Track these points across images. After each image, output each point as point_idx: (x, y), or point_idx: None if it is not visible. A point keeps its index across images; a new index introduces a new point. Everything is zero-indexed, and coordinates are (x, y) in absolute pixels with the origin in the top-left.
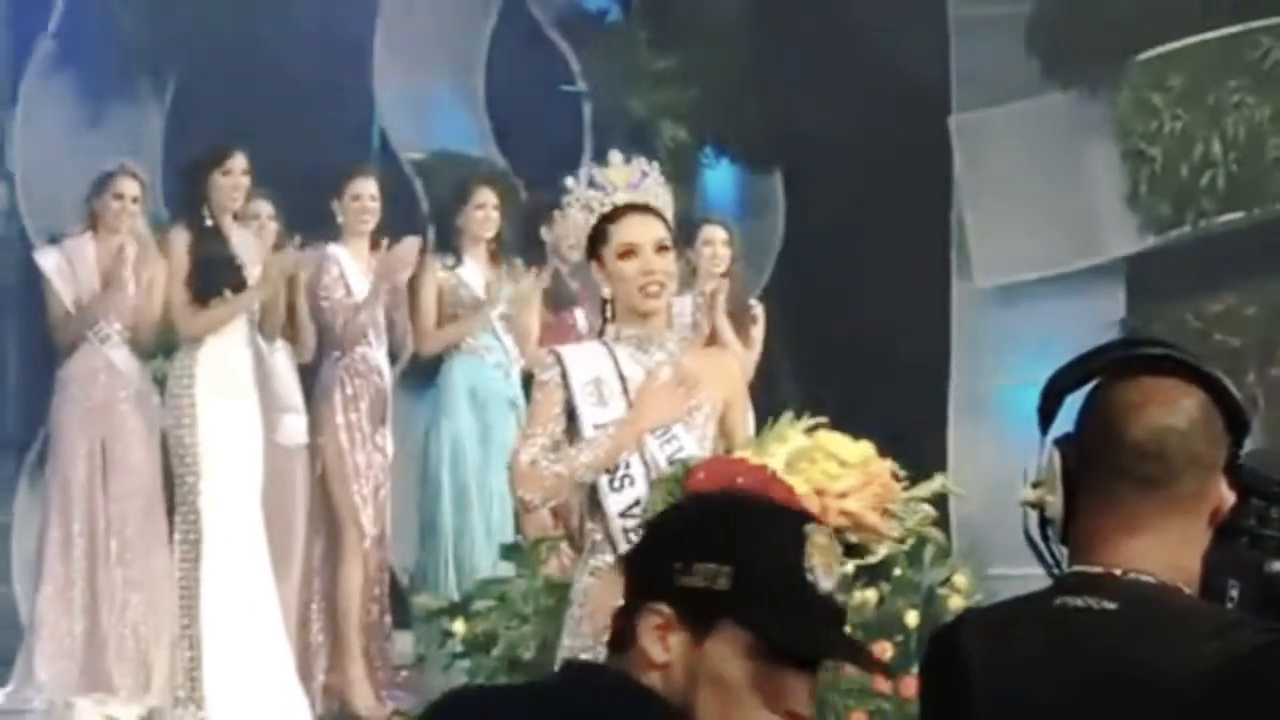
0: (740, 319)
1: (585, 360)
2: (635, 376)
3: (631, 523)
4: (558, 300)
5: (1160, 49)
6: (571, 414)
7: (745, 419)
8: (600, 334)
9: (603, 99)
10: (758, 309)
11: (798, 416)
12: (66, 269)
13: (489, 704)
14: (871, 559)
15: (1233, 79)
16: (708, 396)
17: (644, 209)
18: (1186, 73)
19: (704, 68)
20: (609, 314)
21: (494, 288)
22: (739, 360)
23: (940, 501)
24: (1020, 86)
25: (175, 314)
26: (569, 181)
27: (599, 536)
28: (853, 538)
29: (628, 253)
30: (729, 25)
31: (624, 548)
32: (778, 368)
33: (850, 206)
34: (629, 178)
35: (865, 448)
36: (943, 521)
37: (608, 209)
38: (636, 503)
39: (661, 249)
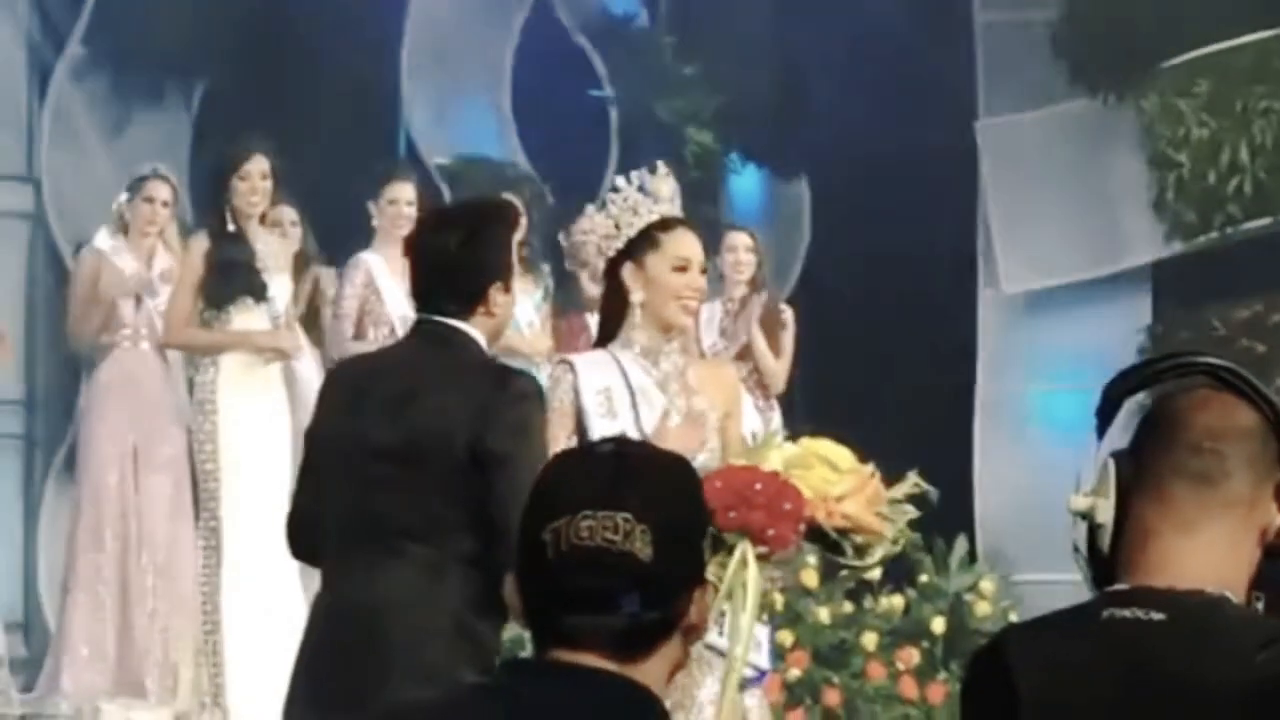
0: (770, 326)
1: (596, 369)
2: (644, 387)
3: None
4: (568, 305)
5: (1188, 55)
6: (580, 424)
7: (741, 430)
8: (601, 342)
9: (629, 104)
10: (787, 314)
11: (819, 421)
12: (100, 270)
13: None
14: (870, 560)
15: (1260, 85)
16: (710, 407)
17: (691, 225)
18: (1214, 79)
19: (731, 74)
20: (629, 319)
21: (533, 295)
22: (736, 372)
23: (966, 508)
24: (1047, 92)
25: (171, 319)
26: (620, 181)
27: None
28: (857, 539)
29: (682, 267)
30: (756, 31)
31: None
32: (802, 373)
33: (876, 212)
34: (671, 192)
35: (849, 454)
36: (968, 527)
37: (655, 218)
38: None
39: (704, 270)
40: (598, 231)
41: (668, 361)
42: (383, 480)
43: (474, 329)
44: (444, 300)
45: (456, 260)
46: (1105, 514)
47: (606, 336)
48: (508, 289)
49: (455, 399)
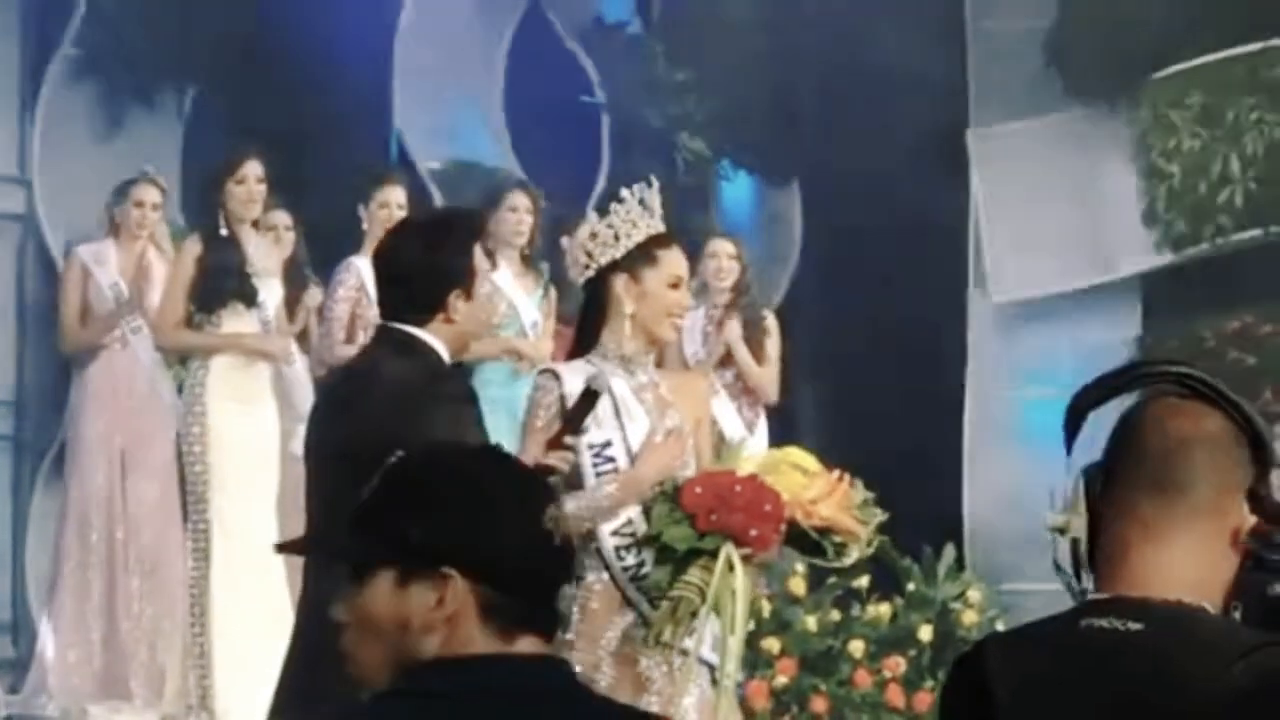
0: (753, 333)
1: (580, 378)
2: (625, 396)
3: (624, 540)
4: (568, 310)
5: (1179, 66)
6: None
7: (709, 438)
8: (579, 351)
9: (621, 110)
10: (770, 321)
11: (809, 429)
12: (87, 274)
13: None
14: (847, 560)
15: (1251, 97)
16: (683, 417)
17: (681, 243)
18: (1205, 90)
19: (722, 81)
20: (613, 329)
21: (534, 294)
22: (709, 381)
23: (954, 516)
24: (1039, 102)
25: (161, 321)
26: (624, 192)
27: (592, 553)
28: (836, 539)
29: (675, 284)
30: (748, 38)
31: (616, 564)
32: (793, 381)
33: (867, 220)
34: (659, 208)
35: (815, 460)
36: (956, 536)
37: (653, 233)
38: (629, 521)
39: (687, 287)
40: (599, 238)
41: (643, 373)
42: (326, 483)
43: (433, 336)
44: (403, 308)
45: (415, 268)
46: (1079, 529)
47: (586, 346)
48: (469, 296)
49: (386, 401)
